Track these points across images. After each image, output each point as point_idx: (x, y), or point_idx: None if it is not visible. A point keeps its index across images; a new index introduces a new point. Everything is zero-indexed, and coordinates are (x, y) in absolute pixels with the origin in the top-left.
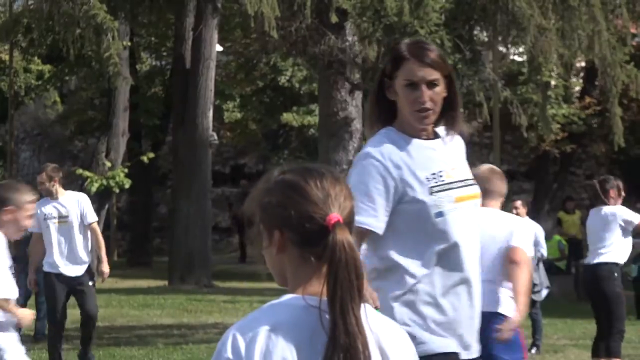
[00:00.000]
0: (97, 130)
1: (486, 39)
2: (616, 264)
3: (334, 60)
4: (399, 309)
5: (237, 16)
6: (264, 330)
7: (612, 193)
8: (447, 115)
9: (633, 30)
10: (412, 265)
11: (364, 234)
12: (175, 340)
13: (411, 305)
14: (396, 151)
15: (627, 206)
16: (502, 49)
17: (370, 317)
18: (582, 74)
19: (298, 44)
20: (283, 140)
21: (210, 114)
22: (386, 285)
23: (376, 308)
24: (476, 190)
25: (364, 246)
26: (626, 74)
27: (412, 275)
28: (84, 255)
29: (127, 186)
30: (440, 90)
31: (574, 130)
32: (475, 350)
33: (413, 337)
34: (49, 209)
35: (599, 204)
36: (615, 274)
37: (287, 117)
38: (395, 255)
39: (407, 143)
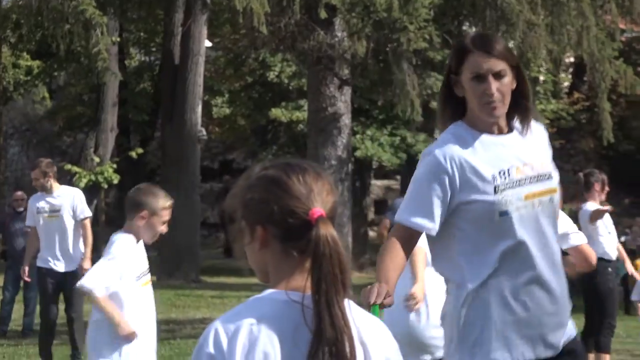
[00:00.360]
0: (86, 125)
1: None
2: (606, 260)
3: (323, 56)
4: (466, 311)
5: (226, 12)
6: (246, 325)
7: (597, 186)
8: (519, 106)
9: (622, 26)
10: (477, 266)
11: (415, 235)
12: (163, 336)
13: (477, 308)
14: (459, 149)
15: (615, 201)
16: None
17: (352, 312)
18: (571, 70)
19: (287, 39)
20: (272, 136)
21: (199, 109)
22: (452, 288)
23: (389, 306)
24: (552, 184)
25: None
26: (615, 70)
27: (478, 276)
28: (76, 252)
29: (115, 182)
30: (508, 81)
31: (562, 126)
32: (559, 347)
33: (476, 343)
34: (42, 203)
35: (581, 198)
36: (609, 269)
37: (275, 112)
38: (460, 257)
39: (474, 139)
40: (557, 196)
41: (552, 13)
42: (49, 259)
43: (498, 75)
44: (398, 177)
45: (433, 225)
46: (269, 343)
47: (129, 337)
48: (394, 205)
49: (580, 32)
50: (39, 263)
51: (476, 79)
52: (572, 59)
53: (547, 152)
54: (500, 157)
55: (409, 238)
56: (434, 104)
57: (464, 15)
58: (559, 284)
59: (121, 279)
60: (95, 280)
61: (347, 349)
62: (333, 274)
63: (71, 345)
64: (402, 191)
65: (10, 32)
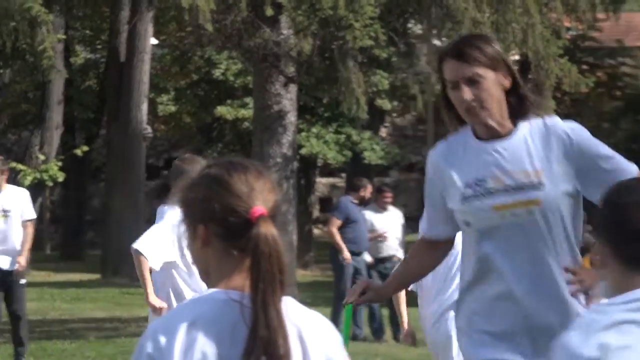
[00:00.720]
0: (31, 123)
1: (420, 32)
2: None
3: (268, 54)
4: (455, 314)
5: (172, 9)
6: (184, 325)
7: None
8: (514, 104)
9: (567, 24)
10: (464, 272)
11: (435, 242)
12: (108, 334)
13: (460, 313)
14: (447, 155)
15: None
16: (436, 42)
17: (291, 310)
18: (516, 68)
19: (233, 37)
20: (217, 134)
21: (145, 107)
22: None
23: (368, 301)
24: (533, 195)
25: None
26: (560, 67)
27: (464, 282)
28: (17, 248)
29: (60, 179)
30: (489, 84)
31: None
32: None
33: (460, 345)
34: None
35: None
36: None
37: (221, 110)
38: (460, 261)
39: (465, 145)
40: (540, 208)
41: (498, 11)
42: None
43: (472, 81)
44: (343, 174)
45: (432, 230)
46: (207, 343)
47: (155, 311)
48: (339, 204)
49: (525, 30)
50: None
51: (452, 86)
52: (517, 57)
53: (548, 157)
54: (481, 165)
55: (429, 245)
56: (379, 102)
57: (409, 13)
58: (541, 301)
59: (173, 247)
60: (148, 245)
61: (281, 349)
62: (271, 273)
63: (14, 344)
64: (348, 189)
65: None
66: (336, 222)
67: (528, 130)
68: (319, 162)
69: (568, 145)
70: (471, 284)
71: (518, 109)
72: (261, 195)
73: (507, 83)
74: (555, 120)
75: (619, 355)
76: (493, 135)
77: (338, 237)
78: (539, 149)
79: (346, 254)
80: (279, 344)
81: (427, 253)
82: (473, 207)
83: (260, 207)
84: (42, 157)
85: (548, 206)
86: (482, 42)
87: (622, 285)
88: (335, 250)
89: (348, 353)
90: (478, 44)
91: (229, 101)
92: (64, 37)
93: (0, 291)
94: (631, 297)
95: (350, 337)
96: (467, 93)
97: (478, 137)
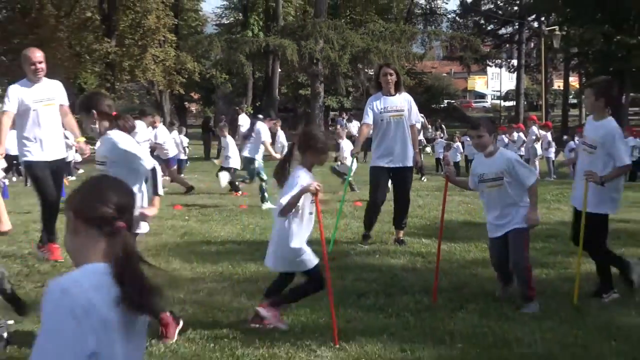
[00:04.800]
0: None
1: None
2: None
3: None
4: None
5: None
6: (84, 289)
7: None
8: (398, 85)
9: None
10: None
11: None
12: None
13: None
14: (375, 98)
15: None
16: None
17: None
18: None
19: None
20: None
21: None
22: None
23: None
24: (401, 113)
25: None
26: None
27: None
28: None
29: None
30: (395, 76)
31: None
32: None
33: None
34: None
35: None
36: None
37: None
38: None
39: (380, 96)
40: (403, 118)
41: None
42: None
43: (391, 74)
44: None
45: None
46: (104, 307)
47: None
48: None
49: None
50: None
51: (383, 74)
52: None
53: (406, 102)
54: (387, 103)
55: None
56: None
57: None
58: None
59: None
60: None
61: (144, 301)
62: (128, 253)
63: None
64: None
65: None
66: None
67: (401, 94)
68: None
69: (410, 102)
70: None
71: (398, 87)
72: (113, 203)
73: (396, 77)
74: (404, 91)
75: None
76: (390, 94)
77: None
78: (401, 100)
79: None
80: (141, 295)
81: None
82: (385, 115)
83: (114, 212)
84: None
85: (405, 117)
86: (392, 66)
87: None
88: None
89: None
90: (393, 65)
91: None
92: None
93: None
94: None
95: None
96: (392, 79)
97: (384, 95)
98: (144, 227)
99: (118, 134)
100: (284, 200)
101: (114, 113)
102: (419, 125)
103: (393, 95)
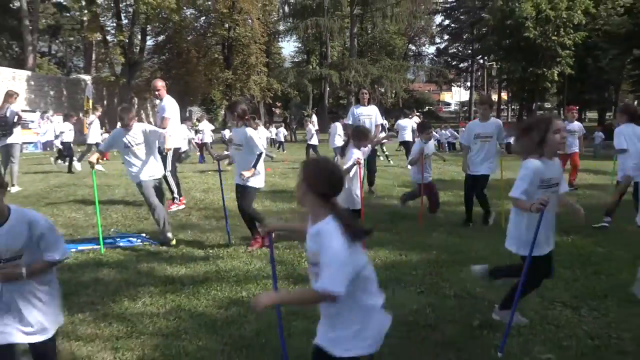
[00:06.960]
0: None
1: None
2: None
3: None
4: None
5: None
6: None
7: None
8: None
9: None
10: None
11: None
12: None
13: None
14: (355, 109)
15: None
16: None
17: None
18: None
19: None
20: None
21: None
22: None
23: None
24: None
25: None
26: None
27: None
28: None
29: None
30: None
31: None
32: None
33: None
34: None
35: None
36: None
37: None
38: None
39: (358, 107)
40: (372, 119)
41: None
42: None
43: (365, 93)
44: None
45: None
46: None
47: None
48: None
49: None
50: None
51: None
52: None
53: (374, 110)
54: (362, 110)
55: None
56: None
57: None
58: None
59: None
60: None
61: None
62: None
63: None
64: None
65: None
66: None
67: (371, 105)
68: None
69: (376, 110)
70: None
71: (369, 101)
72: None
73: (368, 95)
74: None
75: None
76: (364, 105)
77: None
78: (371, 109)
79: None
80: None
81: None
82: (360, 118)
83: None
84: None
85: (373, 119)
86: (367, 88)
87: None
88: None
89: None
90: (367, 88)
91: None
92: None
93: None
94: None
95: None
96: (366, 96)
97: (360, 105)
98: (259, 183)
99: (247, 129)
100: (346, 166)
101: (247, 116)
102: (380, 125)
103: (366, 106)
